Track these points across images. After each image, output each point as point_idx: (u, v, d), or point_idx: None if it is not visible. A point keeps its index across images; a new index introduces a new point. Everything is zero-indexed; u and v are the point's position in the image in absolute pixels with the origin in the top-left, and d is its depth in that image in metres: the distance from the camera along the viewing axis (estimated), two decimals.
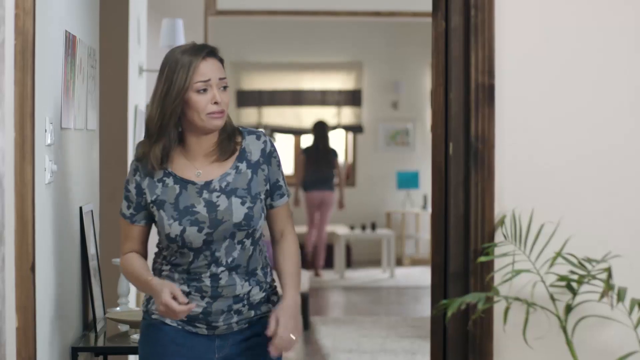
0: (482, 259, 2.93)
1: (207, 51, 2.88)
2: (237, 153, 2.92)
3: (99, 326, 3.71)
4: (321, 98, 12.62)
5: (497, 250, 2.98)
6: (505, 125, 3.04)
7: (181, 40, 8.54)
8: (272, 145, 2.97)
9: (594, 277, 2.81)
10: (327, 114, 12.60)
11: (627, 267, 2.99)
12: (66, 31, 3.56)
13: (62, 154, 3.46)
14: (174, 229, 2.86)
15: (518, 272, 2.85)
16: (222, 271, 2.87)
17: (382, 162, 12.45)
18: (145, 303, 2.97)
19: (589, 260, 2.83)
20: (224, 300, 2.88)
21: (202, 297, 2.88)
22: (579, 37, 3.05)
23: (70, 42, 3.61)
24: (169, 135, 2.87)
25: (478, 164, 3.03)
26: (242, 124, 12.76)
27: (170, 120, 2.85)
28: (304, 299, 7.77)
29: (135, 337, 3.53)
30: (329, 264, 11.45)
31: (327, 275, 10.96)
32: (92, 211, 3.95)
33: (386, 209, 12.35)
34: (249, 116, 12.56)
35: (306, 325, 7.81)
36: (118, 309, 3.82)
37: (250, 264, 2.91)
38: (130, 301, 4.00)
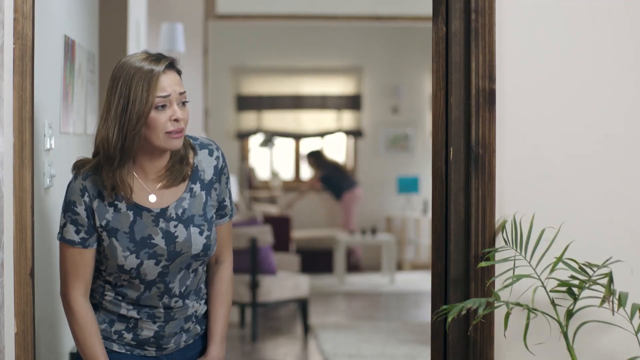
0: (483, 264, 2.92)
1: (167, 63, 2.64)
2: (190, 174, 2.74)
3: None
4: (321, 102, 12.62)
5: (498, 256, 2.97)
6: (506, 130, 3.03)
7: (181, 45, 8.54)
8: (224, 160, 2.81)
9: (595, 283, 2.79)
10: (327, 118, 12.61)
11: (628, 273, 2.98)
12: (65, 36, 3.55)
13: (61, 159, 3.45)
14: (130, 261, 2.68)
15: (519, 277, 2.84)
16: (176, 301, 2.77)
17: (382, 167, 12.45)
18: None
19: (590, 266, 2.82)
20: (176, 322, 2.79)
21: (154, 322, 2.77)
22: (580, 43, 3.04)
23: (69, 46, 3.60)
24: (131, 157, 2.66)
25: (479, 169, 3.02)
26: (242, 129, 12.89)
27: (134, 142, 2.61)
28: (304, 304, 7.76)
29: None
30: (329, 269, 11.45)
31: (327, 280, 10.94)
32: None
33: (386, 214, 12.35)
34: (248, 121, 12.55)
35: (306, 330, 7.80)
36: None
37: (199, 284, 2.84)
38: None
